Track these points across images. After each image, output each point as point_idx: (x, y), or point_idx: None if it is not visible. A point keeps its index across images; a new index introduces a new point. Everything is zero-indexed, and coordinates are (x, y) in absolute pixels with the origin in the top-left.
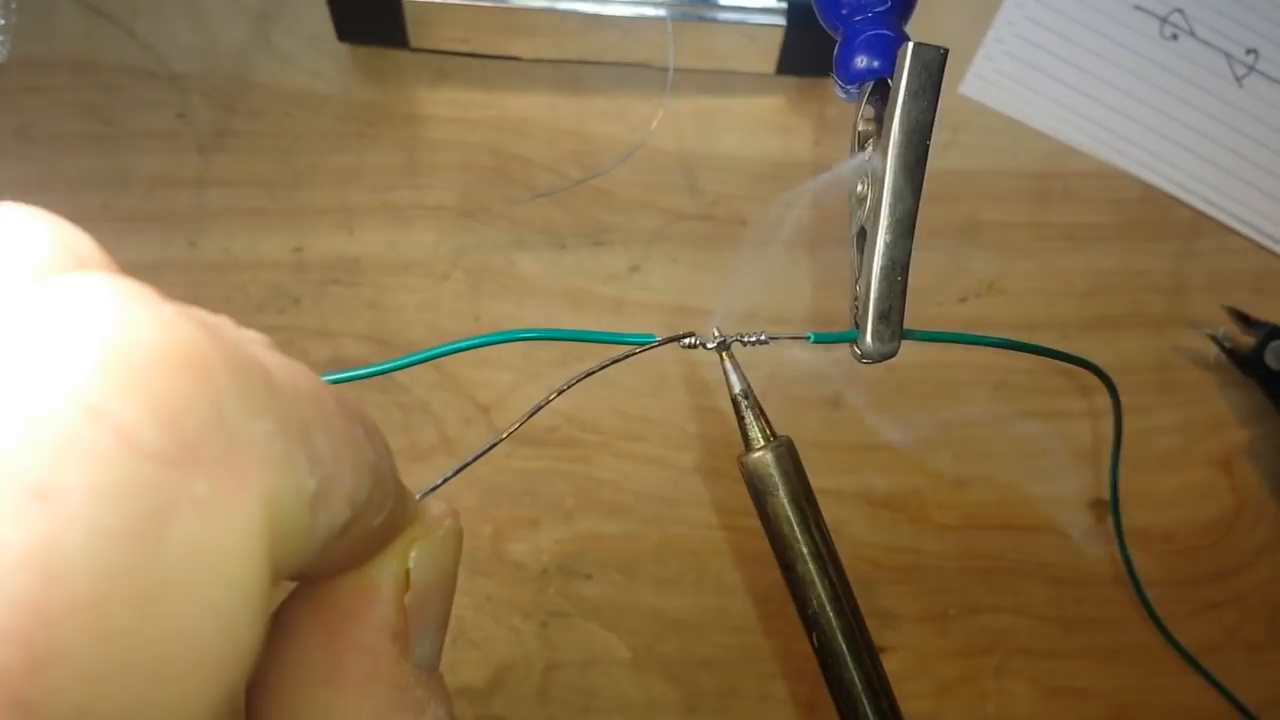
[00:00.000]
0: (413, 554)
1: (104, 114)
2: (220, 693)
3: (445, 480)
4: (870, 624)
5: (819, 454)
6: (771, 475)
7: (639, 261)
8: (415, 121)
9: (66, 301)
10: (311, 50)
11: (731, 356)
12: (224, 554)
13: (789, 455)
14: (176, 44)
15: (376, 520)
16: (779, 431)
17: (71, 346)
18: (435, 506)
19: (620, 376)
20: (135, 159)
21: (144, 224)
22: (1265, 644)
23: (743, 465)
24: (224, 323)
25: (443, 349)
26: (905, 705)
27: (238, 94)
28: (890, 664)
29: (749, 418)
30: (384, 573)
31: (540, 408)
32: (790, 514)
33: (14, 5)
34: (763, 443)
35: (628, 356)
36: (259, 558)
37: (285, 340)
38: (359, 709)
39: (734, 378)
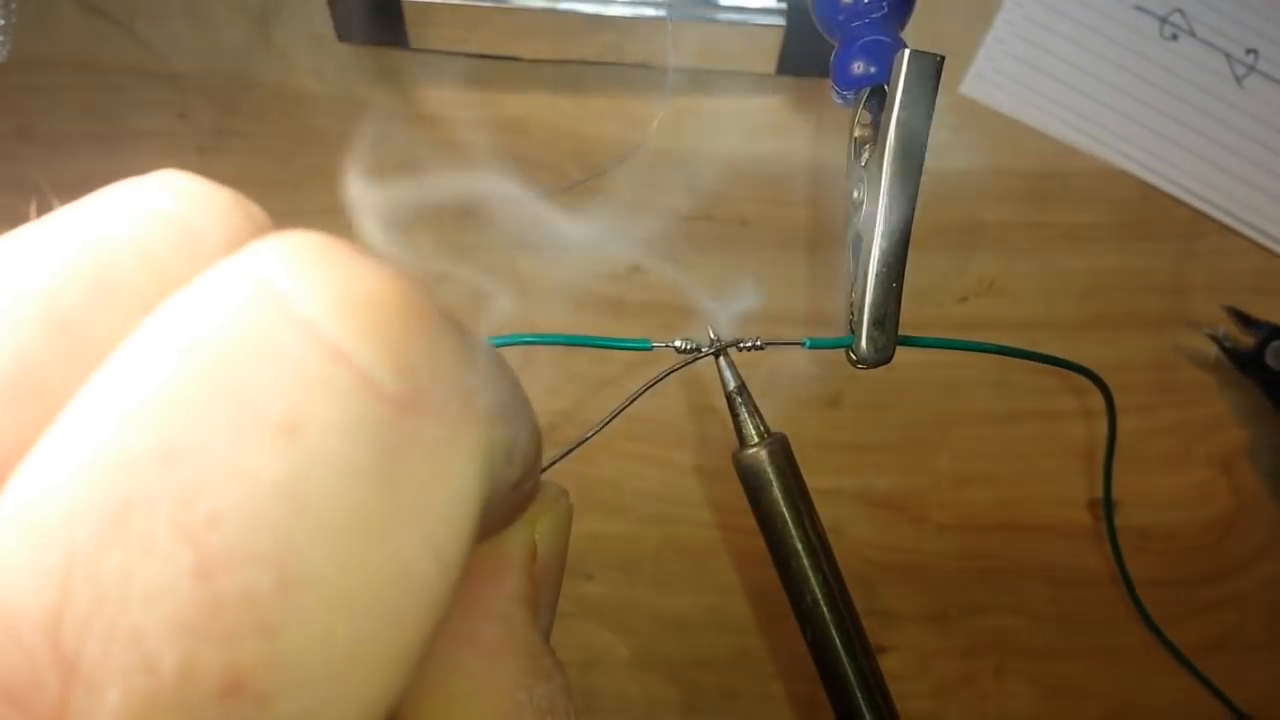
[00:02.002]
0: (539, 529)
1: (104, 114)
2: (428, 633)
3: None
4: (870, 624)
5: (819, 454)
6: (765, 472)
7: (639, 261)
8: (415, 121)
9: (284, 257)
10: (311, 50)
11: (726, 355)
12: (448, 496)
13: (783, 452)
14: (176, 44)
15: (529, 484)
16: (775, 429)
17: (311, 294)
18: (552, 485)
19: (621, 376)
20: (135, 159)
21: None
22: (1265, 644)
23: (737, 461)
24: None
25: None
26: (905, 705)
27: (238, 94)
28: (890, 664)
29: (743, 415)
30: (516, 543)
31: (617, 414)
32: (784, 510)
33: (14, 5)
34: (757, 439)
35: (676, 369)
36: (475, 504)
37: None
38: (496, 674)
39: (728, 375)
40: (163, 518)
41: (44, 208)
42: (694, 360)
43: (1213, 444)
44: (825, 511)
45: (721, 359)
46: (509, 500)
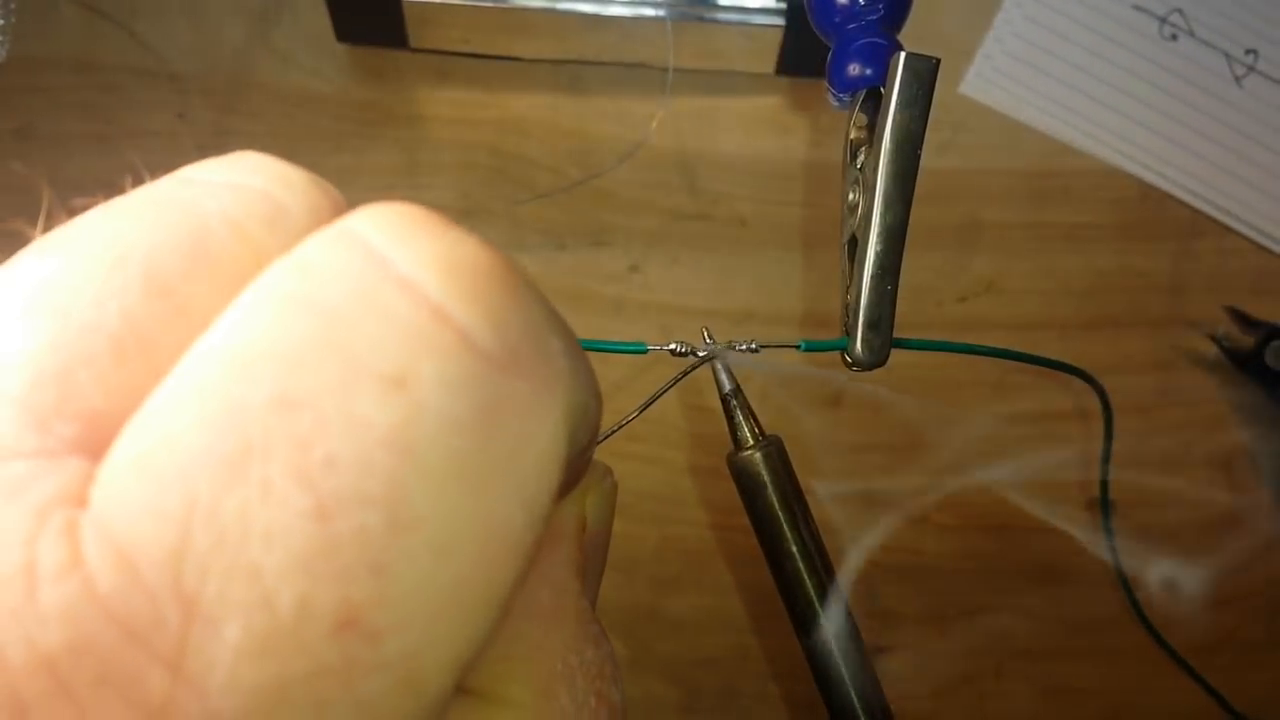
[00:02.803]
0: (588, 500)
1: (104, 114)
2: (515, 584)
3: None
4: (870, 624)
5: (819, 454)
6: (760, 474)
7: (639, 261)
8: (415, 121)
9: (381, 223)
10: (311, 50)
11: (715, 344)
12: (538, 452)
13: (778, 455)
14: (176, 44)
15: (589, 453)
16: (772, 431)
17: (411, 256)
18: (599, 464)
19: (620, 376)
20: (135, 159)
21: None
22: (1265, 644)
23: (732, 464)
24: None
25: None
26: (905, 705)
27: (238, 94)
28: (890, 664)
29: (738, 418)
30: (568, 514)
31: (625, 424)
32: (779, 513)
33: (14, 5)
34: (752, 442)
35: (689, 373)
36: (560, 461)
37: None
38: (550, 638)
39: (724, 378)
40: (280, 463)
41: (48, 214)
42: (703, 364)
43: (1213, 444)
44: (826, 511)
45: (717, 362)
46: (572, 466)
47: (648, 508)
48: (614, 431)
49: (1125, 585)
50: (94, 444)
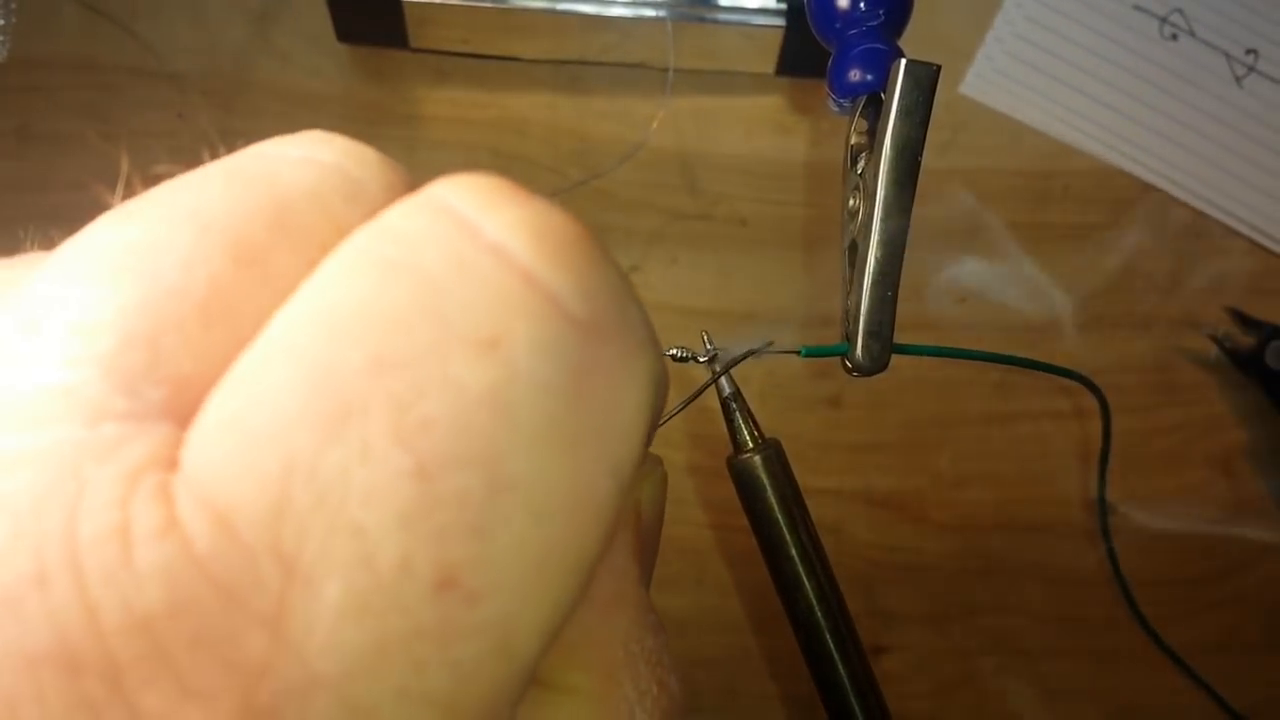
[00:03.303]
0: (643, 489)
1: (104, 114)
2: (601, 551)
3: None
4: (870, 624)
5: (819, 454)
6: (759, 477)
7: (639, 261)
8: (415, 121)
9: (467, 192)
10: (311, 50)
11: (715, 347)
12: (624, 418)
13: (777, 458)
14: (176, 44)
15: (653, 431)
16: (772, 433)
17: (499, 223)
18: (649, 453)
19: None
20: (135, 159)
21: None
22: (1264, 644)
23: (731, 467)
24: None
25: None
26: (905, 705)
27: (238, 94)
28: (890, 664)
29: (738, 420)
30: (625, 501)
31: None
32: (778, 516)
33: (14, 5)
34: (751, 445)
35: (712, 383)
36: (644, 429)
37: None
38: (612, 625)
39: (724, 381)
40: (379, 423)
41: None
42: (726, 372)
43: (1213, 444)
44: (826, 512)
45: (717, 365)
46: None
47: None
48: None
49: (1123, 586)
50: (181, 409)
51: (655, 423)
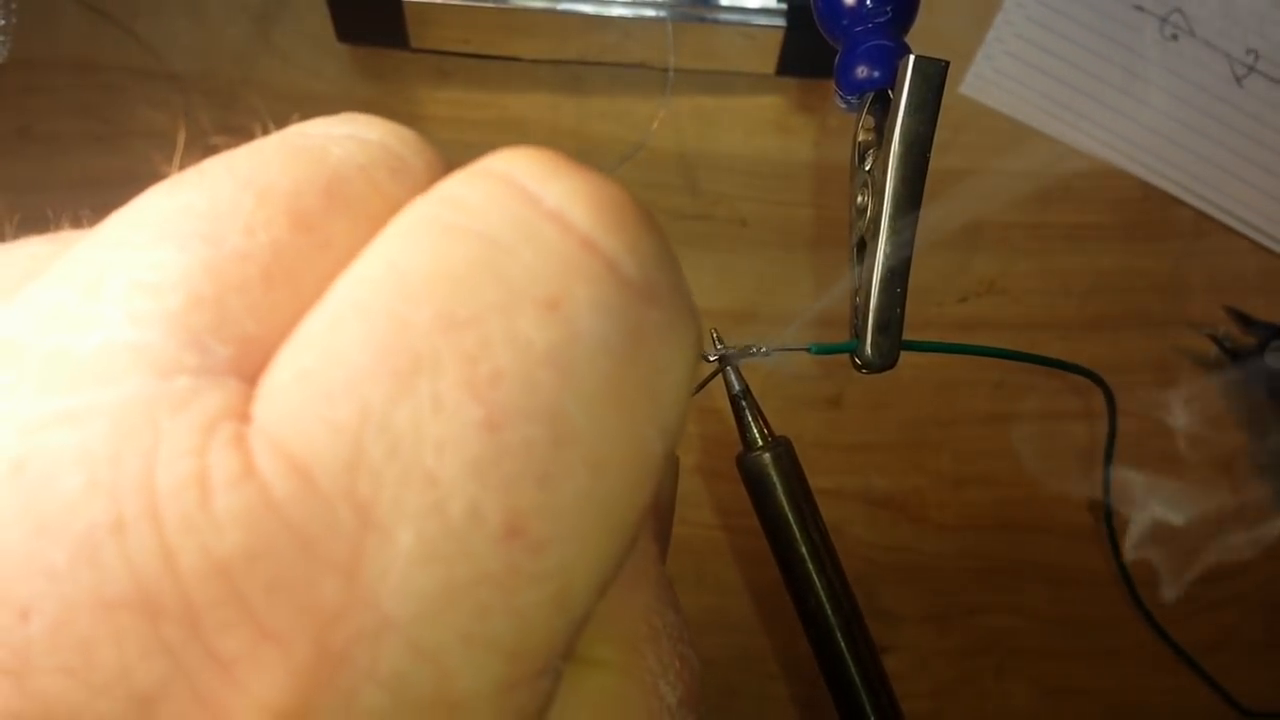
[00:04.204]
0: None
1: (104, 114)
2: (648, 509)
3: None
4: (870, 624)
5: (819, 454)
6: (770, 475)
7: None
8: (415, 121)
9: (523, 164)
10: (311, 50)
11: (726, 347)
12: (673, 377)
13: (787, 456)
14: (176, 44)
15: None
16: (778, 431)
17: (556, 190)
18: None
19: None
20: (135, 159)
21: None
22: (1264, 644)
23: (741, 465)
24: None
25: None
26: (905, 705)
27: (238, 94)
28: (890, 664)
29: (748, 418)
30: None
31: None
32: (789, 513)
33: (14, 5)
34: (761, 443)
35: (709, 380)
36: (689, 389)
37: None
38: (635, 600)
39: (733, 379)
40: (451, 376)
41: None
42: (717, 373)
43: (1213, 444)
44: (825, 512)
45: (727, 365)
46: None
47: None
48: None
49: (1130, 584)
50: (248, 367)
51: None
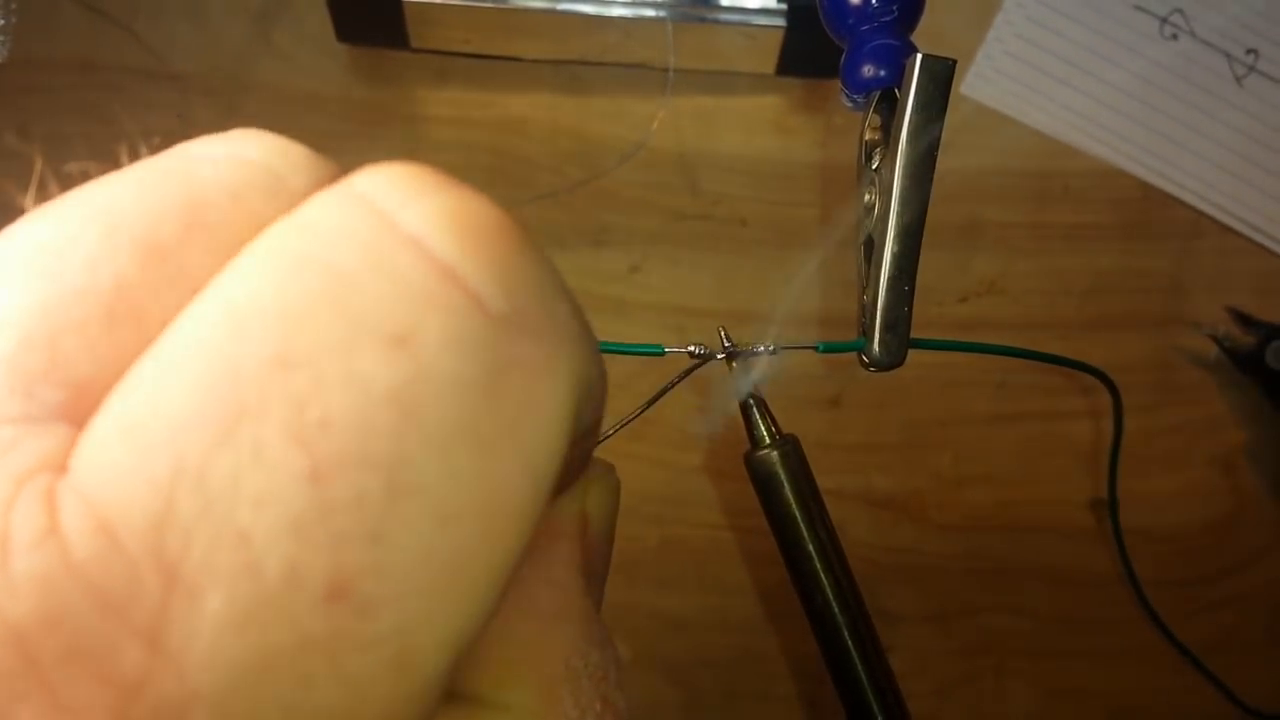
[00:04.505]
0: (589, 497)
1: (104, 114)
2: (517, 559)
3: None
4: None
5: (820, 454)
6: (778, 473)
7: (639, 261)
8: (415, 121)
9: (388, 183)
10: (311, 50)
11: (735, 345)
12: (544, 415)
13: (795, 454)
14: (176, 44)
15: (591, 441)
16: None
17: (419, 214)
18: (599, 460)
19: (621, 376)
20: (135, 159)
21: None
22: (1265, 644)
23: (749, 462)
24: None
25: None
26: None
27: (238, 94)
28: (890, 664)
29: (755, 417)
30: (569, 510)
31: (628, 422)
32: (796, 512)
33: (14, 5)
34: (769, 441)
35: (691, 371)
36: (566, 431)
37: None
38: (552, 640)
39: (741, 380)
40: (275, 423)
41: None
42: (703, 363)
43: (1213, 444)
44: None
45: (735, 363)
46: (575, 452)
47: (650, 508)
48: (623, 425)
49: (1135, 584)
50: (81, 412)
51: (592, 428)
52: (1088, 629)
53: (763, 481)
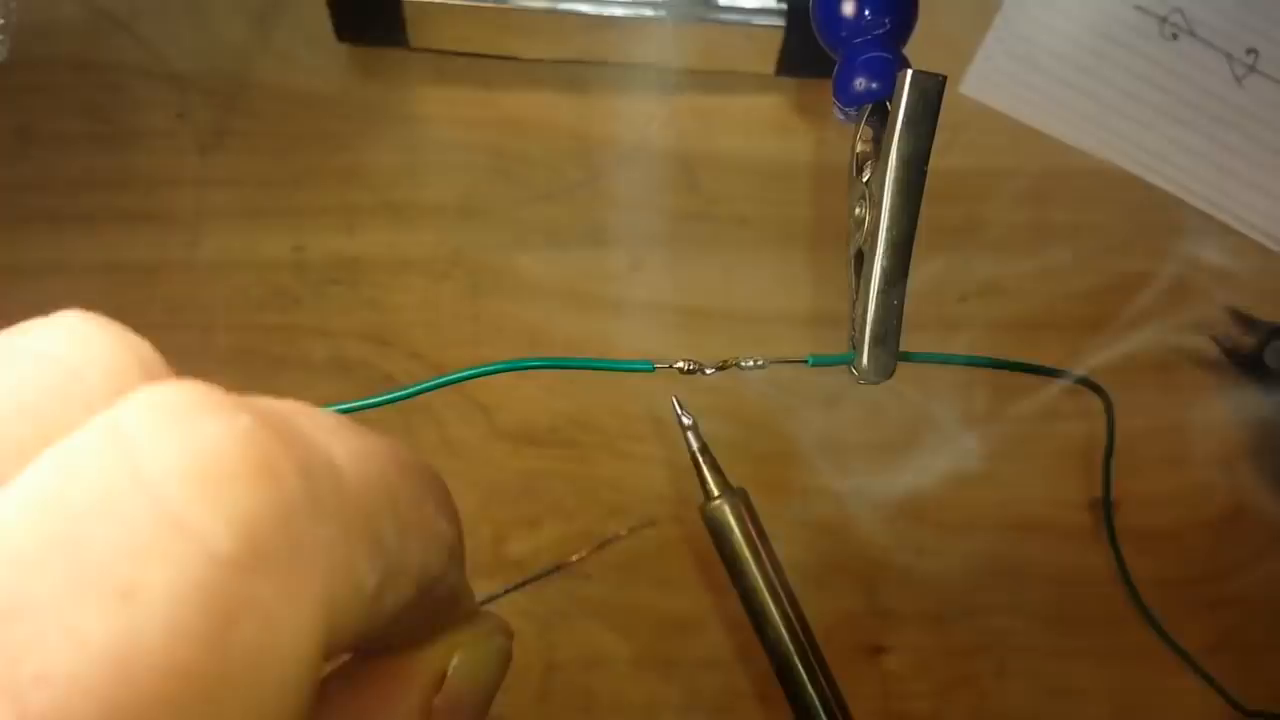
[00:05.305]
0: (455, 658)
1: (104, 114)
2: None
3: (497, 597)
4: (870, 624)
5: (819, 454)
6: (728, 522)
7: (639, 261)
8: (415, 121)
9: (147, 415)
10: (311, 50)
11: (687, 413)
12: (281, 657)
13: (743, 504)
14: (176, 44)
15: (440, 591)
16: (772, 432)
17: (163, 455)
18: (491, 619)
19: (621, 376)
20: (135, 159)
21: (144, 224)
22: (1265, 645)
23: (703, 513)
24: (297, 411)
25: (447, 379)
26: (905, 705)
27: (238, 94)
28: (890, 664)
29: (705, 472)
30: (421, 665)
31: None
32: (746, 555)
33: (14, 5)
34: (718, 494)
35: (526, 582)
36: (313, 657)
37: (285, 340)
38: None
39: (690, 436)
40: None
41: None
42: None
43: (1213, 444)
44: (826, 512)
45: (685, 418)
46: (403, 619)
47: (649, 508)
48: (517, 588)
49: (1130, 585)
50: None
51: (429, 576)
52: (1088, 629)
53: (715, 530)
